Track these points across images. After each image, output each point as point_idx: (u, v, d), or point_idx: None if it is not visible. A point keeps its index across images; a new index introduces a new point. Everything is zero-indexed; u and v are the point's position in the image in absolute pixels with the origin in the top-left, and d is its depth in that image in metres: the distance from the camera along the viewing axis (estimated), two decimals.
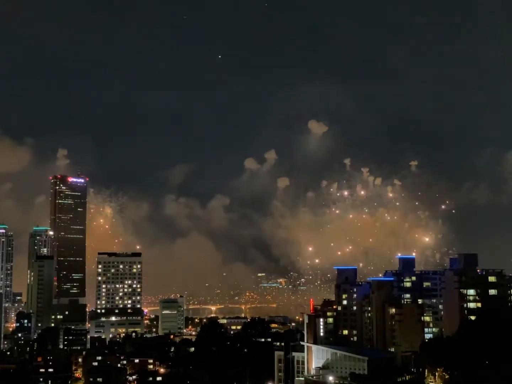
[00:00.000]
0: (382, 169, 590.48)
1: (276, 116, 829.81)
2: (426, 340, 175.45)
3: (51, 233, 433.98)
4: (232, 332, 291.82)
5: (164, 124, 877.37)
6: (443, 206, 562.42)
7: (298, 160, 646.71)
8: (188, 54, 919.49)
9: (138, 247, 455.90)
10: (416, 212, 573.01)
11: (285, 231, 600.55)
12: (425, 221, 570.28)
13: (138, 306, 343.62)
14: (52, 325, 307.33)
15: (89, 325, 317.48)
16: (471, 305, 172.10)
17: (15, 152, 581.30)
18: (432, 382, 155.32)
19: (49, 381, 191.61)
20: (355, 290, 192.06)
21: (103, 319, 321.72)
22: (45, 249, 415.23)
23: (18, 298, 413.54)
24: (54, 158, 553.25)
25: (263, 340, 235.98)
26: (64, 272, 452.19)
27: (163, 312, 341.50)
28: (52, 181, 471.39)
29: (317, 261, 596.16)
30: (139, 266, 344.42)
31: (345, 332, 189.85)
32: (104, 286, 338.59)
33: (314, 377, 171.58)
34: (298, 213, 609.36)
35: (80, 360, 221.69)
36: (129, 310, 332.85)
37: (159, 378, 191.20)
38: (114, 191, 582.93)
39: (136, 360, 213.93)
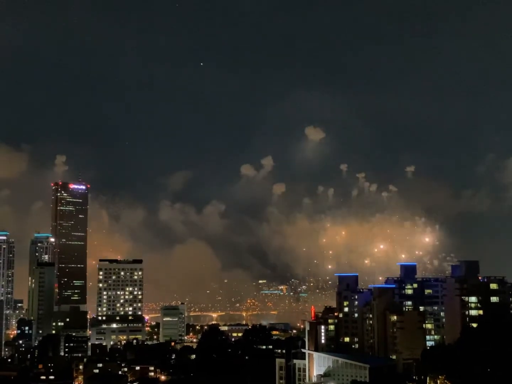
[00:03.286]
0: (378, 175, 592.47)
1: (273, 122, 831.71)
2: (428, 348, 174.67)
3: (52, 240, 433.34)
4: (233, 339, 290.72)
5: (162, 131, 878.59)
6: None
7: (295, 167, 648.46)
8: (185, 61, 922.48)
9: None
10: (412, 218, 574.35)
11: (281, 237, 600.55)
12: (422, 227, 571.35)
13: (139, 313, 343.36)
14: (53, 332, 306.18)
15: (90, 332, 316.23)
16: (473, 312, 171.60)
17: (12, 159, 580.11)
18: None
19: None
20: (356, 297, 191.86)
21: (104, 326, 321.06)
22: (46, 256, 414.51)
23: (19, 305, 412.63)
24: (52, 165, 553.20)
25: (264, 347, 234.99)
26: (65, 279, 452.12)
27: (164, 319, 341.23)
28: (53, 187, 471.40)
29: (316, 267, 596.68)
30: (140, 273, 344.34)
31: (347, 339, 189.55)
32: (105, 293, 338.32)
33: None
34: (294, 220, 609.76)
35: (81, 367, 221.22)
36: (130, 317, 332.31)
37: None
38: (112, 197, 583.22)
39: (137, 368, 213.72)
